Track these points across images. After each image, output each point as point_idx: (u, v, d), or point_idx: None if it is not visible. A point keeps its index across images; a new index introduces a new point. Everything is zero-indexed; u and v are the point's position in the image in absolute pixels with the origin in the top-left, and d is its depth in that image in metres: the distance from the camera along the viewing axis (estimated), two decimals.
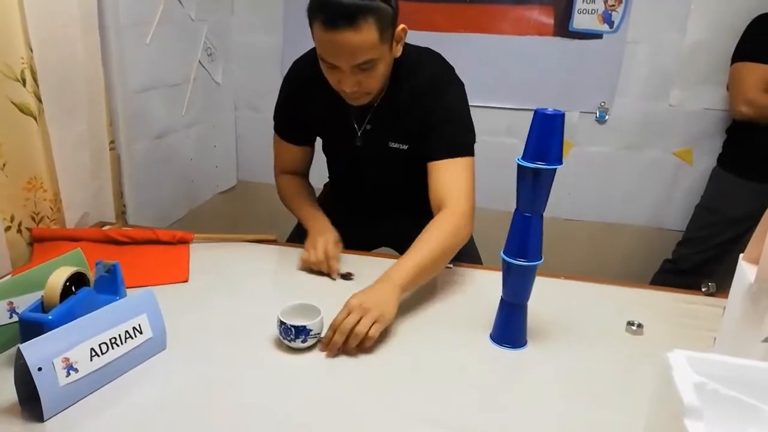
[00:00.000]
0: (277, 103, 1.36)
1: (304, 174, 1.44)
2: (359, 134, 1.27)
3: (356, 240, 1.32)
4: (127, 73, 1.65)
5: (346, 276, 1.22)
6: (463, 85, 1.25)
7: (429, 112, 1.20)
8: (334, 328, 0.94)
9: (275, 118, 1.37)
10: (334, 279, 1.21)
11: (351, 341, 0.93)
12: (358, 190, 1.42)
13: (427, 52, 1.26)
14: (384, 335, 1.00)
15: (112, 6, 1.53)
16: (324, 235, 1.24)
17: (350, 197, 1.46)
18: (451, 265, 1.29)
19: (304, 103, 1.29)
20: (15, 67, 1.19)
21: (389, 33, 1.09)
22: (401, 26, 1.12)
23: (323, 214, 1.33)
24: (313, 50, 1.20)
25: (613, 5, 2.11)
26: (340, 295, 1.15)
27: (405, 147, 1.25)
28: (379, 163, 1.31)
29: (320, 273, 1.23)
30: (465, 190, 1.16)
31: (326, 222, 1.30)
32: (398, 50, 1.15)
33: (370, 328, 0.93)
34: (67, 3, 1.32)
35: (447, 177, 1.17)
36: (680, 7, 2.07)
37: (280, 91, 1.34)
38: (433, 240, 1.09)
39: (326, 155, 1.45)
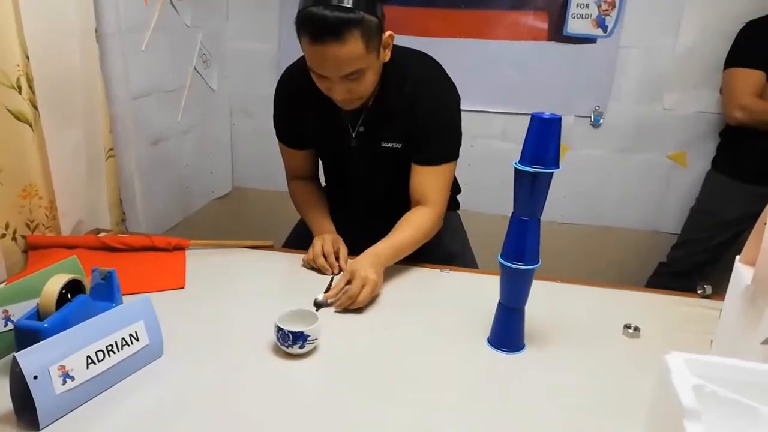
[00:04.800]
0: (274, 112, 1.37)
1: (313, 177, 1.47)
2: (353, 136, 1.28)
3: (346, 243, 1.32)
4: (123, 79, 1.65)
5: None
6: (454, 84, 1.27)
7: (421, 115, 1.23)
8: (337, 292, 1.14)
9: (275, 126, 1.39)
10: (336, 274, 1.24)
11: (345, 301, 1.11)
12: (350, 192, 1.44)
13: (417, 54, 1.27)
14: (379, 332, 1.03)
15: (108, 13, 1.53)
16: (321, 236, 1.30)
17: (341, 200, 1.47)
18: (448, 270, 1.29)
19: (298, 109, 1.31)
20: (11, 75, 1.18)
21: (376, 42, 1.10)
22: (388, 33, 1.14)
23: (327, 218, 1.37)
24: (304, 57, 1.20)
25: (607, 10, 2.13)
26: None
27: (399, 146, 1.28)
28: (373, 163, 1.32)
29: (322, 273, 1.25)
30: (444, 192, 1.29)
31: (327, 225, 1.35)
32: (386, 55, 1.17)
33: (362, 290, 1.12)
34: (64, 10, 1.32)
35: (431, 179, 1.28)
36: (672, 12, 2.09)
37: (274, 99, 1.36)
38: (409, 235, 1.24)
39: (321, 159, 1.46)
